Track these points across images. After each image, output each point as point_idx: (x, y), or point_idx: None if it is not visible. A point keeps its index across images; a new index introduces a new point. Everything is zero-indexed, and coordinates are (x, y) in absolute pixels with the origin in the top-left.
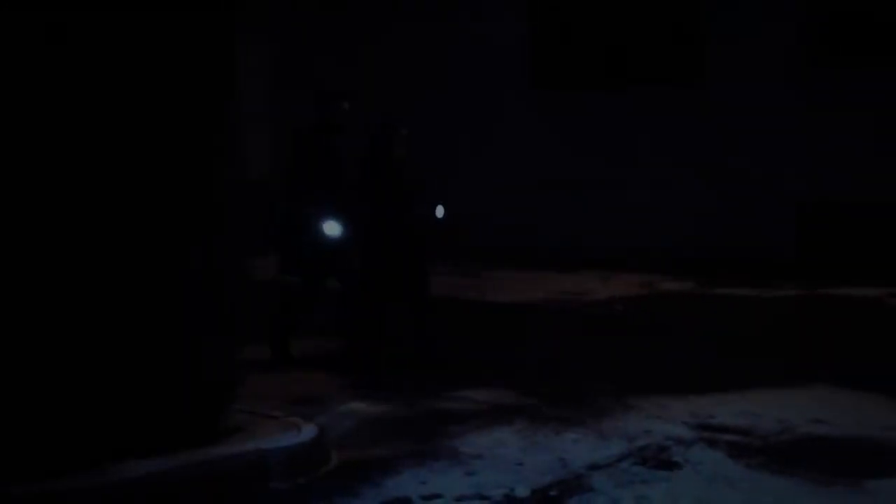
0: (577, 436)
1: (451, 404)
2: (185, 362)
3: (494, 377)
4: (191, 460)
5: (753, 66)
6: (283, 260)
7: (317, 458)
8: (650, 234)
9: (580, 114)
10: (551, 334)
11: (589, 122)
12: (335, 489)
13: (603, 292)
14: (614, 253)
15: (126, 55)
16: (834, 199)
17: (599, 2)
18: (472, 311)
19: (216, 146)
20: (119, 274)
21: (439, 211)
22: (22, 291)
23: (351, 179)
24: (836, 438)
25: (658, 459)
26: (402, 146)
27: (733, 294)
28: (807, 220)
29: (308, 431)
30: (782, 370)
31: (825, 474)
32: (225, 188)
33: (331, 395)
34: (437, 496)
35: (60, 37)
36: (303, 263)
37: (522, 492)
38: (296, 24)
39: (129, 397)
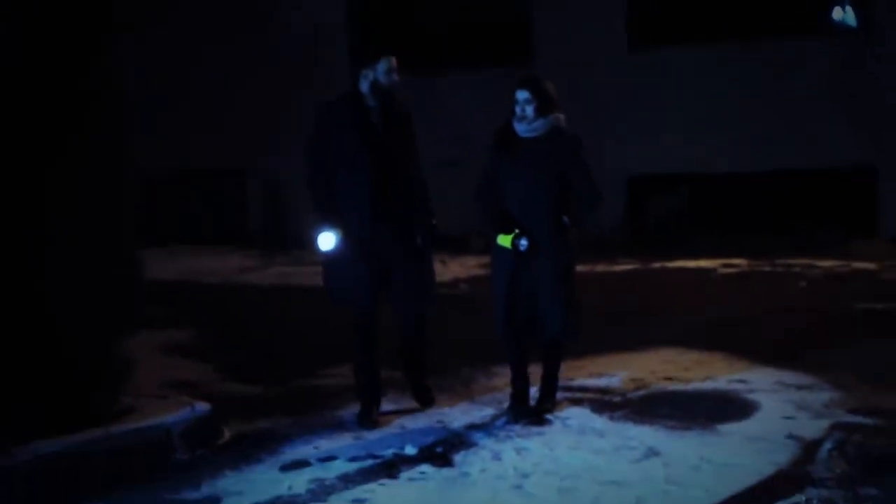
0: (450, 400)
1: (323, 381)
2: (77, 350)
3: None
4: (93, 437)
5: None
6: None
7: (212, 432)
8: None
9: None
10: None
11: None
12: (236, 457)
13: (446, 274)
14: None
15: None
16: (663, 172)
17: None
18: None
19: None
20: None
21: None
22: None
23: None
24: (687, 392)
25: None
26: None
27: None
28: (637, 195)
29: (201, 407)
30: (630, 337)
31: (682, 421)
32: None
33: (206, 379)
34: (333, 458)
35: None
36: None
37: (411, 450)
38: None
39: (25, 386)
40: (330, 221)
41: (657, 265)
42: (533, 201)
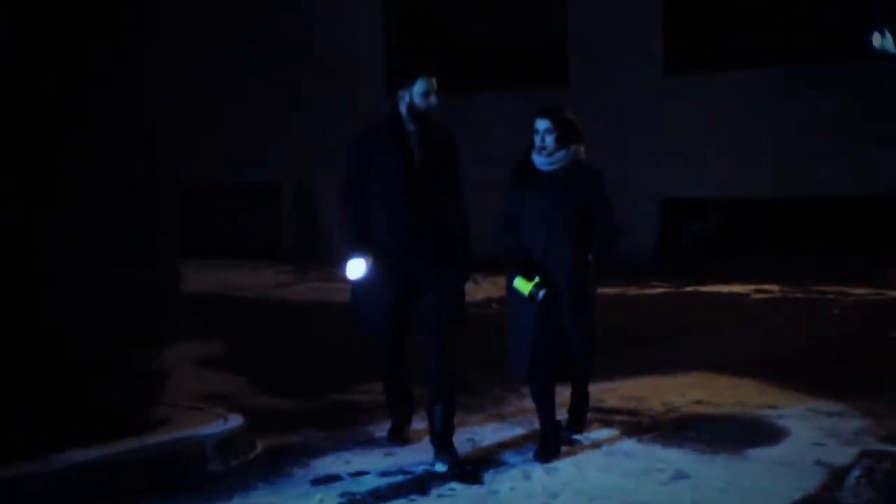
0: (482, 420)
1: (357, 396)
2: (112, 360)
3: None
4: (128, 447)
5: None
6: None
7: (245, 444)
8: None
9: None
10: None
11: None
12: (268, 470)
13: (479, 293)
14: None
15: None
16: (698, 196)
17: None
18: None
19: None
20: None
21: None
22: None
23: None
24: (716, 416)
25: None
26: None
27: (605, 293)
28: (672, 218)
29: (235, 420)
30: (661, 360)
31: (710, 445)
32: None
33: (240, 392)
34: (364, 473)
35: None
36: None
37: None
38: None
39: (61, 395)
40: (361, 248)
41: (690, 289)
42: (554, 237)
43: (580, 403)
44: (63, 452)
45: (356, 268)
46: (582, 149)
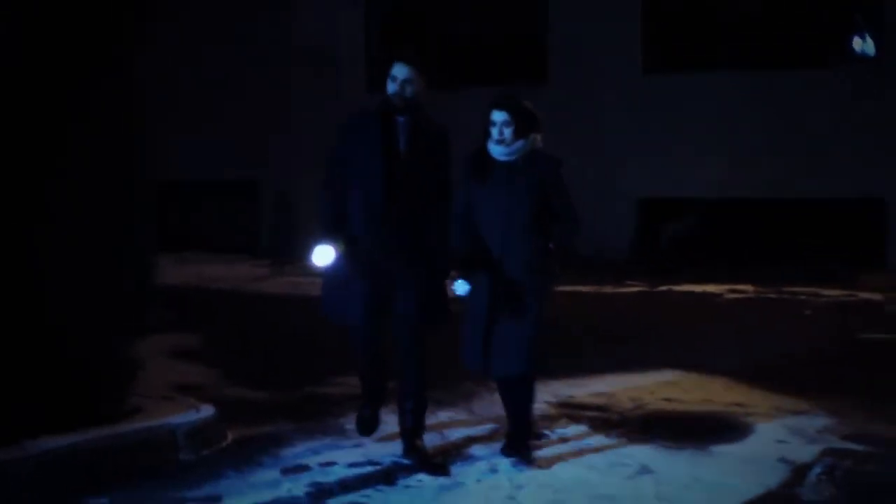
0: (451, 414)
1: (330, 389)
2: (84, 350)
3: None
4: (100, 435)
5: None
6: None
7: (216, 434)
8: None
9: None
10: None
11: None
12: (239, 460)
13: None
14: None
15: None
16: (674, 196)
17: None
18: None
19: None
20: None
21: None
22: None
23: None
24: (683, 413)
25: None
26: None
27: (579, 290)
28: (648, 217)
29: (206, 410)
30: (632, 358)
31: (676, 441)
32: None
33: (212, 384)
34: (332, 463)
35: None
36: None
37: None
38: None
39: (32, 384)
40: (331, 235)
41: (664, 288)
42: (512, 229)
43: (523, 421)
44: (36, 439)
45: (323, 254)
46: (539, 137)
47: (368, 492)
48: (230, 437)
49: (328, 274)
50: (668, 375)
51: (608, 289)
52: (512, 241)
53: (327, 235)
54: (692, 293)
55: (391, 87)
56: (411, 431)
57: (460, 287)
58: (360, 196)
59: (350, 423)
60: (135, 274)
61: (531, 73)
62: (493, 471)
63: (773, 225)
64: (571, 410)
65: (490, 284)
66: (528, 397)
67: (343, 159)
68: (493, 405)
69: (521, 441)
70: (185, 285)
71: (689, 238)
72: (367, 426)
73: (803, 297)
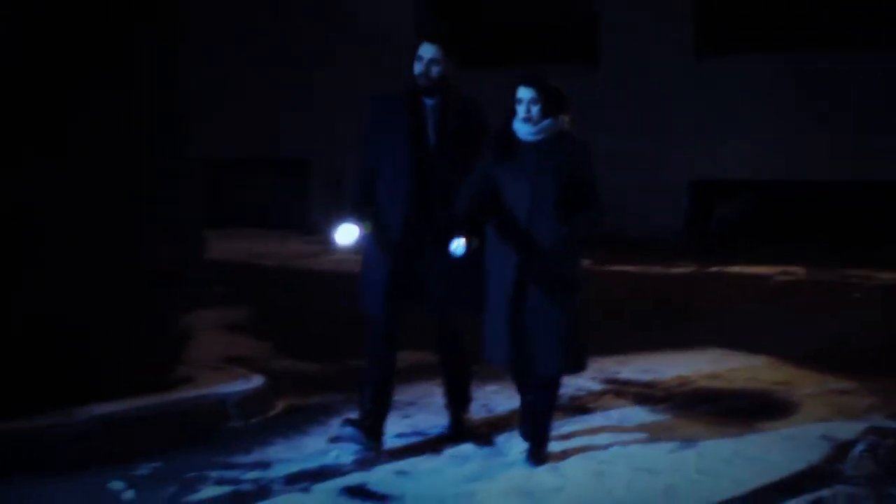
0: (497, 387)
1: None
2: (134, 320)
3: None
4: (150, 402)
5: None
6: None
7: (265, 404)
8: None
9: None
10: None
11: None
12: (287, 428)
13: None
14: None
15: None
16: (727, 178)
17: None
18: None
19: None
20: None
21: None
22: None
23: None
24: (729, 390)
25: (573, 407)
26: None
27: (629, 271)
28: (700, 199)
29: (256, 380)
30: (679, 337)
31: (721, 417)
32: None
33: (261, 356)
34: None
35: None
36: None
37: (455, 432)
38: None
39: (85, 352)
40: (356, 214)
41: (715, 269)
42: (537, 212)
43: (544, 427)
44: (86, 406)
45: (346, 233)
46: (567, 119)
47: (414, 461)
48: (279, 406)
49: (365, 261)
50: (714, 354)
51: (658, 269)
52: (537, 227)
53: (352, 214)
54: (743, 274)
55: (417, 68)
56: (457, 404)
57: (458, 248)
58: (388, 178)
59: (397, 394)
60: (184, 249)
61: (583, 54)
62: None
63: (824, 207)
64: (617, 387)
65: (514, 272)
66: (553, 400)
67: (370, 140)
68: None
69: (541, 445)
70: (236, 261)
71: (740, 220)
72: (369, 435)
73: (854, 279)
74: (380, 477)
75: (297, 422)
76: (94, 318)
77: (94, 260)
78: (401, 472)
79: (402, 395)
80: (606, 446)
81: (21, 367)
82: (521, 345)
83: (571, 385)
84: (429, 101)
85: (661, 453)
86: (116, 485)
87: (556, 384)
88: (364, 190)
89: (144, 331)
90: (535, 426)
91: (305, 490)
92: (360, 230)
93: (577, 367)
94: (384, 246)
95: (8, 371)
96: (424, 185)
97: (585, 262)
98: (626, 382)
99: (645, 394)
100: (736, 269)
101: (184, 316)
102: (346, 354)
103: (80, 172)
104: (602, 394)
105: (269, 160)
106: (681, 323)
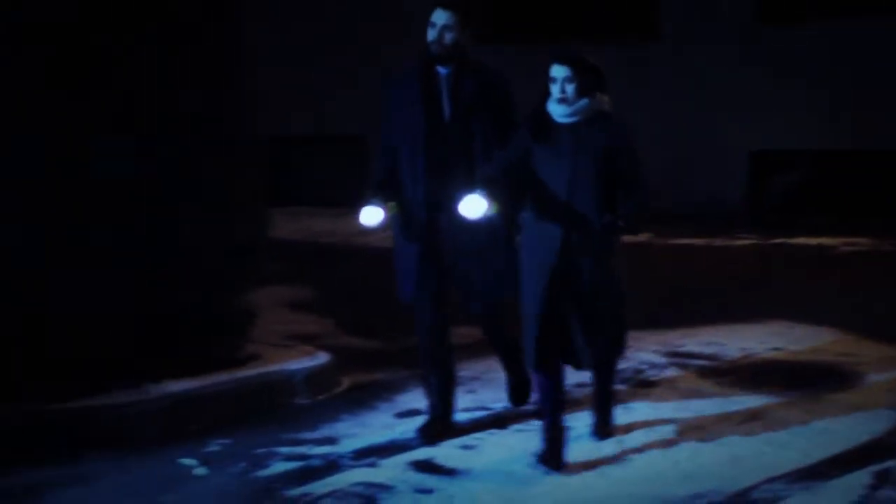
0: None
1: None
2: (201, 299)
3: None
4: (219, 380)
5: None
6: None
7: (331, 380)
8: None
9: None
10: None
11: None
12: (353, 404)
13: None
14: None
15: None
16: (787, 149)
17: None
18: None
19: None
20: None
21: None
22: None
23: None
24: (793, 362)
25: (636, 380)
26: None
27: (690, 244)
28: (761, 170)
29: (322, 357)
30: (742, 308)
31: (785, 389)
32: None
33: (325, 333)
34: None
35: None
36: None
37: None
38: None
39: (154, 330)
40: (380, 196)
41: (778, 241)
42: (575, 200)
43: (606, 402)
44: (159, 383)
45: (370, 215)
46: (607, 99)
47: (481, 435)
48: (345, 383)
49: (397, 248)
50: (778, 326)
51: (720, 241)
52: (574, 215)
53: (376, 195)
54: (806, 245)
55: (430, 34)
56: (516, 384)
57: (473, 206)
58: (407, 155)
59: (461, 370)
60: (248, 227)
61: (643, 27)
62: None
63: (889, 177)
64: (681, 359)
65: (553, 262)
66: (612, 376)
67: (388, 116)
68: None
69: (606, 418)
70: (297, 239)
71: (802, 190)
72: (433, 430)
73: None
74: (447, 451)
75: (363, 397)
76: (168, 297)
77: (170, 237)
78: (467, 447)
79: (465, 370)
80: (671, 419)
81: (96, 345)
82: (565, 336)
83: (635, 359)
84: (443, 70)
85: (726, 425)
86: (188, 461)
87: (612, 365)
88: (386, 168)
89: (215, 308)
90: (598, 401)
91: (373, 465)
92: (385, 211)
93: (621, 350)
94: (409, 228)
95: (84, 349)
96: (443, 159)
97: (646, 237)
98: (690, 355)
99: (709, 366)
100: (800, 240)
101: (250, 293)
102: (408, 331)
103: (168, 148)
104: (666, 367)
105: (328, 137)
106: (743, 295)
